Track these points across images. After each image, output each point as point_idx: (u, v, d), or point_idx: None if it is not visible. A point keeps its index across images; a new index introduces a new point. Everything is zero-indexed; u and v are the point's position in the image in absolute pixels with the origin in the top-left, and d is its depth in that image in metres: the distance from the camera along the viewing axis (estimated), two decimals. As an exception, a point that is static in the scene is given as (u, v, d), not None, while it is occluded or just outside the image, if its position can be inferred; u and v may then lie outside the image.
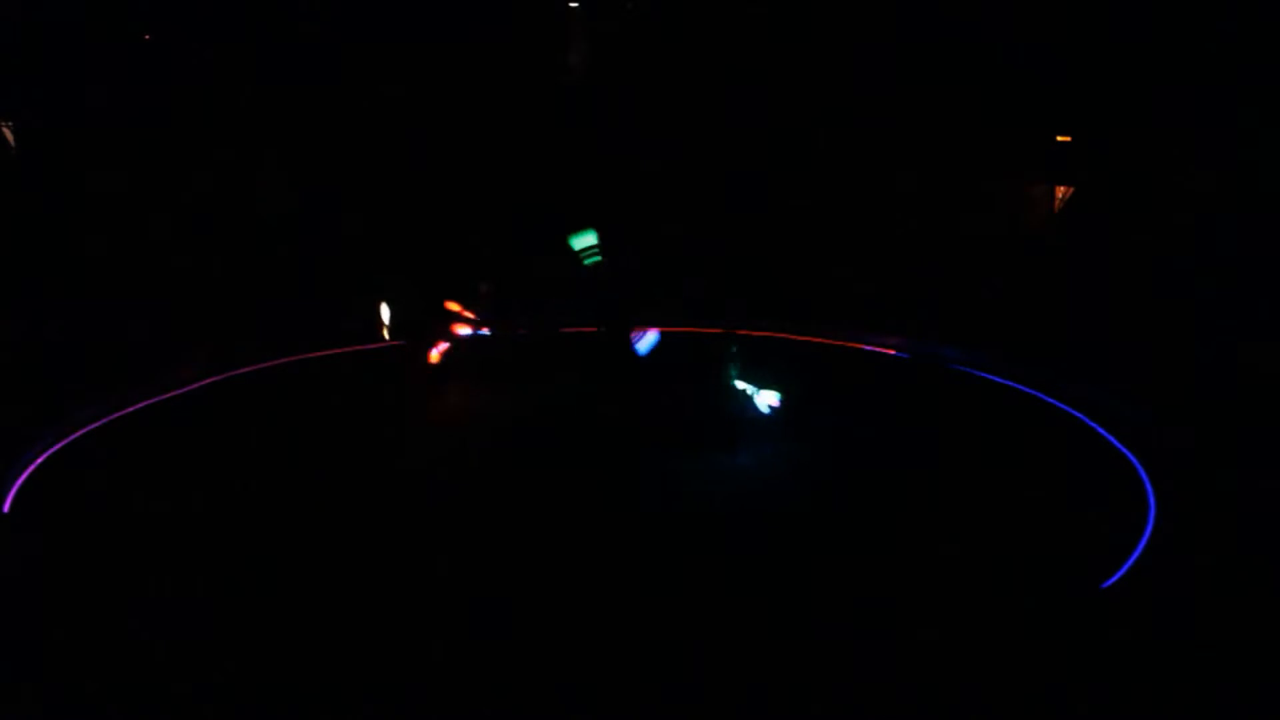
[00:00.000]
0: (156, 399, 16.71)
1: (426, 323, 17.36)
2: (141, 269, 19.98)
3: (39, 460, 14.56)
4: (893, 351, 19.04)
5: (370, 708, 9.48)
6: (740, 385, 15.22)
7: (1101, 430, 15.57)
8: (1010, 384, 17.46)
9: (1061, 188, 21.61)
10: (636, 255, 17.10)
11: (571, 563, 12.09)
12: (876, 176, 22.20)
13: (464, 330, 17.21)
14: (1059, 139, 21.42)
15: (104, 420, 15.88)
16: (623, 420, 15.88)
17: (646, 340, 15.77)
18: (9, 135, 21.09)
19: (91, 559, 12.07)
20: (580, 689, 9.70)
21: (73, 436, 15.33)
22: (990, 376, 17.78)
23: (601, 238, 16.27)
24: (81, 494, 13.71)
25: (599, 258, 16.21)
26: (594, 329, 17.36)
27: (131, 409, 16.32)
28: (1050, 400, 16.75)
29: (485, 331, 17.25)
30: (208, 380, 17.50)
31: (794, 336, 19.63)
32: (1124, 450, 14.88)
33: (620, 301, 16.63)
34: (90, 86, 21.23)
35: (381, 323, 18.05)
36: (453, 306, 17.16)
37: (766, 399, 15.14)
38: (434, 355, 17.11)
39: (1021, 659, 10.03)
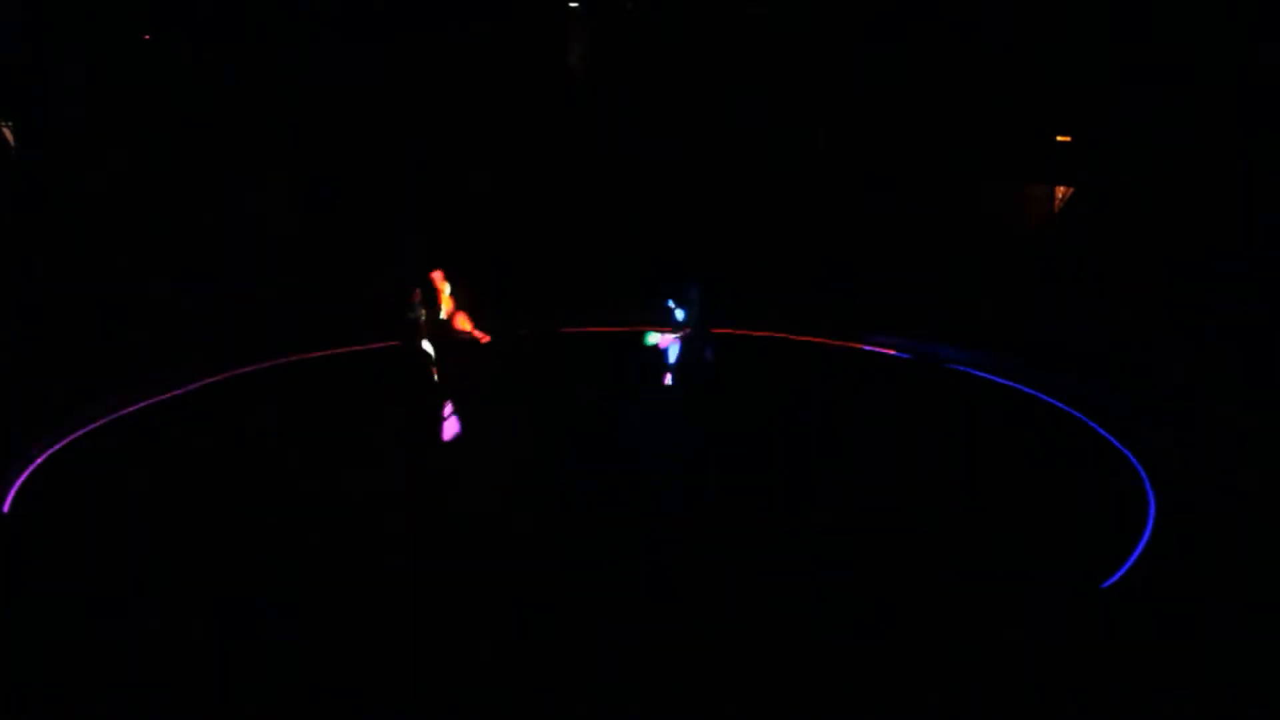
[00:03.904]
0: (156, 399, 16.71)
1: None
2: (142, 269, 19.98)
3: (39, 460, 14.57)
4: (893, 351, 19.05)
5: (367, 710, 9.49)
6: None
7: (1101, 430, 15.58)
8: (1010, 384, 17.47)
9: (1061, 188, 21.61)
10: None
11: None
12: (876, 176, 22.20)
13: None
14: (1059, 139, 21.43)
15: (104, 420, 15.88)
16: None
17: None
18: (9, 135, 21.08)
19: (91, 559, 12.07)
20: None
21: (73, 436, 15.33)
22: (990, 376, 17.79)
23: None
24: (81, 494, 13.71)
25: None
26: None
27: (131, 409, 16.32)
28: (1050, 400, 16.76)
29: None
30: (208, 380, 17.50)
31: (794, 337, 19.64)
32: (1124, 450, 14.88)
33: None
34: (90, 87, 21.24)
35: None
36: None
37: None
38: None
39: (1021, 659, 10.03)
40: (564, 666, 10.02)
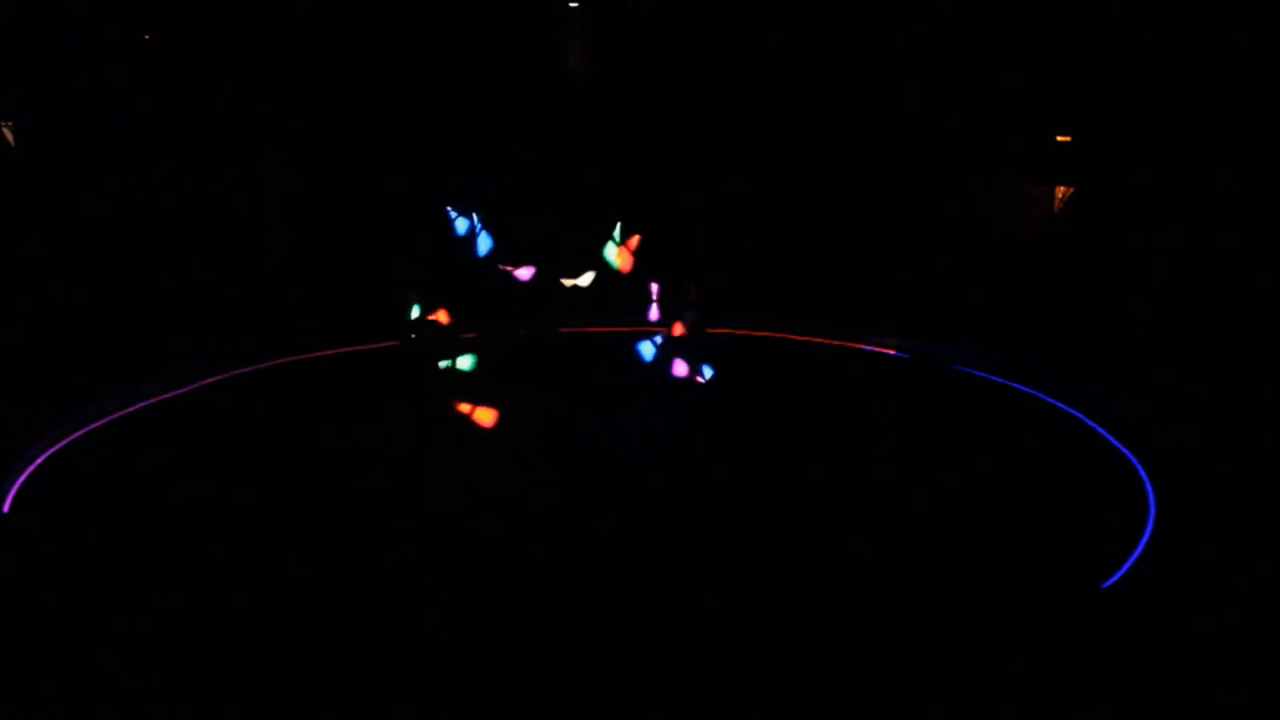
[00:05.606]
0: (156, 399, 16.71)
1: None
2: (142, 268, 19.97)
3: (39, 460, 14.57)
4: (893, 351, 19.05)
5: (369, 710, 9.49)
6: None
7: (1101, 430, 15.58)
8: (1010, 384, 17.47)
9: (1061, 188, 21.61)
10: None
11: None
12: (876, 176, 22.19)
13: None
14: (1059, 139, 21.43)
15: (104, 420, 15.88)
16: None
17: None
18: (9, 135, 21.08)
19: (92, 559, 12.07)
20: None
21: (73, 436, 15.33)
22: (990, 376, 17.79)
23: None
24: (81, 494, 13.71)
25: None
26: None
27: (131, 409, 16.32)
28: (1050, 400, 16.76)
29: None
30: (208, 380, 17.50)
31: (794, 336, 19.64)
32: (1124, 450, 14.88)
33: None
34: (90, 86, 21.24)
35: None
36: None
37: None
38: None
39: (1022, 659, 10.03)
40: (563, 667, 10.04)
